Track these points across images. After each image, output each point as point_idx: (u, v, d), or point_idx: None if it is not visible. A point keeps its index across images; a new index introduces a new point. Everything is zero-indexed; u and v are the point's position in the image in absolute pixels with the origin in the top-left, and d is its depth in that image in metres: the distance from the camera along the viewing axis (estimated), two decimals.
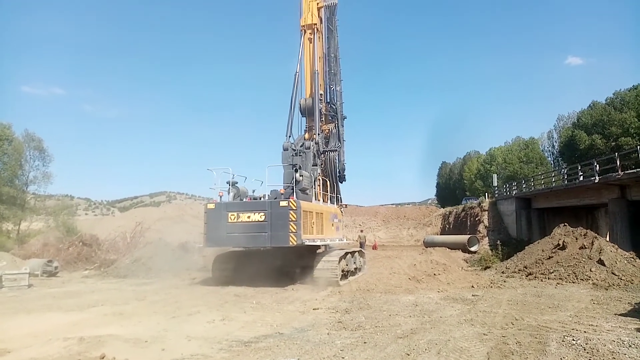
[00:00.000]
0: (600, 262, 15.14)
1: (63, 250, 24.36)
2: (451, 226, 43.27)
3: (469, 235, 32.63)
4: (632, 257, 15.70)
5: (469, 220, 38.22)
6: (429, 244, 35.09)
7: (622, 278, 14.06)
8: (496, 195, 38.81)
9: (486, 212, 35.02)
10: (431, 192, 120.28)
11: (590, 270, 14.87)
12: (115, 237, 28.32)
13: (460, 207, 44.03)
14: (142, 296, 13.70)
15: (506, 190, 37.30)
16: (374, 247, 36.99)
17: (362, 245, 28.97)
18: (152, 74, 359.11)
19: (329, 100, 21.23)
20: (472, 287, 14.79)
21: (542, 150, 64.81)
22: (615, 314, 9.64)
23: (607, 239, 20.71)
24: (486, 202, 36.87)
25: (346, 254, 17.12)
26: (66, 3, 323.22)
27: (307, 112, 20.41)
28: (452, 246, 31.72)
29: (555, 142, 66.26)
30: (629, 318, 9.19)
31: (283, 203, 14.65)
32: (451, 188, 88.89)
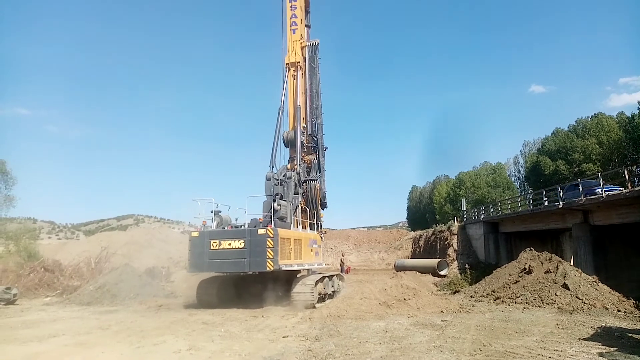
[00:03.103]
0: (565, 286, 15.50)
1: (23, 277, 23.35)
2: (421, 250, 43.68)
3: (439, 259, 32.99)
4: (595, 281, 16.14)
5: (438, 244, 38.66)
6: (399, 268, 35.31)
7: (586, 302, 14.42)
8: (465, 220, 39.47)
9: (455, 236, 35.51)
10: (402, 215, 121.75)
11: (556, 295, 15.20)
12: (80, 262, 27.34)
13: (430, 230, 44.56)
14: (106, 325, 13.22)
15: (474, 214, 37.99)
16: (347, 271, 36.96)
17: (342, 268, 29.63)
18: (119, 95, 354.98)
19: (310, 133, 22.34)
20: (442, 312, 14.87)
21: (509, 175, 66.69)
22: (579, 339, 9.85)
23: (572, 263, 21.25)
24: (455, 226, 37.42)
25: (323, 277, 18.20)
26: (28, 23, 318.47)
27: (290, 144, 21.70)
28: (423, 270, 31.99)
29: (521, 167, 68.38)
30: (592, 342, 9.40)
31: (261, 231, 15.66)
32: (421, 211, 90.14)
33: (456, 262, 32.69)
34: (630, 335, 10.14)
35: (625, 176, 19.06)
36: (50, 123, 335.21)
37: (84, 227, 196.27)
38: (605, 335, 10.16)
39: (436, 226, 44.97)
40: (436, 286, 25.95)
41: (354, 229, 75.36)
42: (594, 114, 52.26)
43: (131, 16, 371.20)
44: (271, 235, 15.47)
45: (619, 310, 13.71)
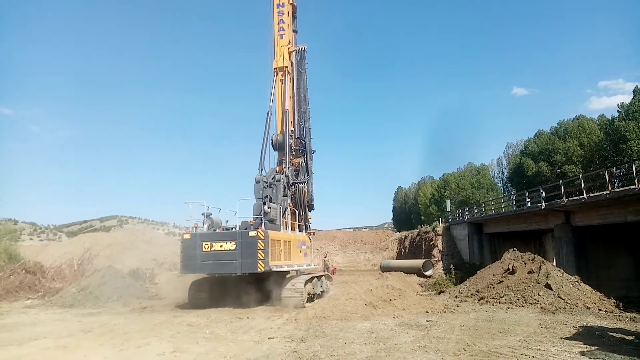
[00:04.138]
0: (548, 286, 15.72)
1: (3, 279, 22.91)
2: (407, 250, 43.84)
3: (424, 260, 33.16)
4: (577, 281, 16.40)
5: (423, 245, 38.86)
6: (385, 269, 35.40)
7: (568, 302, 14.64)
8: (449, 220, 39.77)
9: (440, 237, 35.75)
10: (387, 216, 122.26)
11: (539, 295, 15.40)
12: (62, 264, 26.92)
13: (416, 231, 44.78)
14: (88, 327, 13.04)
15: (459, 215, 38.30)
16: (333, 272, 36.93)
17: (327, 268, 29.72)
18: (103, 95, 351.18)
19: (298, 136, 22.64)
20: (427, 312, 14.97)
21: (493, 177, 67.46)
22: (562, 338, 10.00)
23: (554, 263, 21.53)
24: (440, 226, 37.68)
25: (312, 278, 18.67)
26: (11, 21, 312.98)
27: (279, 147, 22.00)
28: (408, 270, 32.11)
29: (505, 168, 69.26)
30: (574, 341, 9.55)
31: (252, 233, 16.08)
32: (407, 212, 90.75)
33: (441, 262, 32.90)
34: (611, 334, 10.34)
35: (606, 178, 19.39)
36: (33, 123, 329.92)
37: (66, 229, 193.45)
38: (586, 335, 10.33)
39: (421, 227, 45.20)
40: (421, 287, 26.09)
41: (339, 229, 75.31)
42: (576, 116, 53.27)
43: (119, 14, 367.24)
44: (262, 237, 15.84)
45: (600, 310, 13.95)
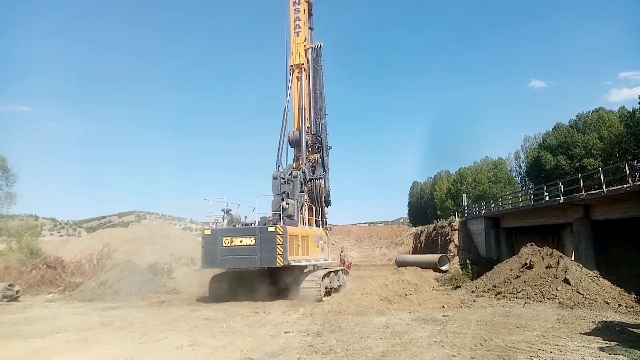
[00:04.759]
0: (566, 281, 15.51)
1: (26, 273, 23.44)
2: (422, 245, 43.68)
3: (440, 255, 33.02)
4: (596, 276, 16.15)
5: (439, 240, 38.68)
6: (401, 264, 35.29)
7: (587, 297, 14.44)
8: (466, 215, 39.47)
9: (456, 232, 35.57)
10: (403, 211, 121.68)
11: (557, 289, 15.21)
12: (82, 259, 27.40)
13: (432, 226, 44.57)
14: (108, 321, 13.28)
15: (475, 209, 37.98)
16: (348, 267, 36.96)
17: (343, 263, 30.66)
18: (120, 92, 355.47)
19: (314, 132, 22.94)
20: (443, 307, 14.89)
21: (510, 170, 66.52)
22: (580, 333, 9.87)
23: (573, 258, 21.26)
24: (456, 221, 37.44)
25: (329, 272, 18.99)
26: (29, 20, 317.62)
27: (295, 144, 22.39)
28: (424, 265, 32.02)
29: (522, 162, 68.24)
30: (593, 337, 9.43)
31: (271, 228, 16.41)
32: (422, 207, 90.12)
33: (457, 257, 32.74)
34: (631, 329, 10.16)
35: (626, 171, 19.04)
36: (51, 120, 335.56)
37: (85, 224, 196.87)
38: (606, 330, 10.18)
39: (437, 222, 44.97)
40: (437, 281, 25.98)
41: (355, 224, 75.21)
42: (595, 108, 52.05)
43: (134, 14, 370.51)
44: (280, 233, 16.16)
45: (620, 305, 13.73)
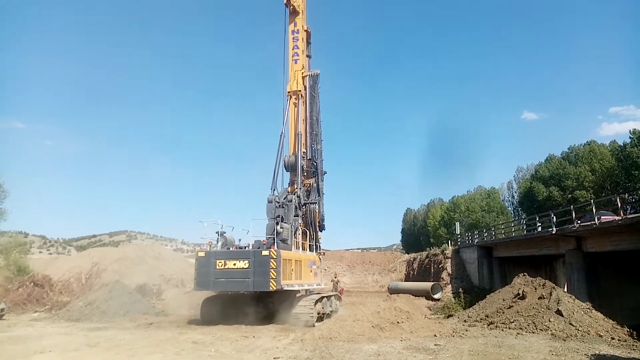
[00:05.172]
0: (559, 312, 15.44)
1: (12, 291, 23.03)
2: (415, 272, 43.47)
3: (433, 283, 32.81)
4: (589, 308, 16.09)
5: (432, 267, 38.52)
6: (393, 291, 35.06)
7: (579, 329, 14.35)
8: (459, 243, 39.42)
9: (449, 260, 35.45)
10: (396, 238, 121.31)
11: (549, 321, 15.13)
12: (70, 277, 27.00)
13: (425, 253, 44.43)
14: (94, 342, 13.03)
15: (468, 238, 37.96)
16: (341, 292, 36.64)
17: (336, 288, 30.32)
18: (115, 111, 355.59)
19: (310, 158, 23.21)
20: (435, 336, 14.74)
21: (503, 200, 66.82)
22: None
23: (565, 289, 21.17)
24: (449, 249, 37.36)
25: (322, 297, 18.79)
26: (26, 35, 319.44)
27: (291, 168, 22.61)
28: (416, 293, 31.78)
29: (515, 192, 68.60)
30: None
31: (265, 252, 16.39)
32: (415, 234, 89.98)
33: (450, 285, 32.53)
34: None
35: (617, 204, 19.18)
36: (45, 137, 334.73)
37: (75, 242, 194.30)
38: None
39: (430, 249, 44.84)
40: (430, 310, 25.77)
41: (347, 250, 74.80)
42: (587, 141, 52.79)
43: (131, 35, 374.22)
44: (274, 257, 16.16)
45: (612, 338, 13.64)
